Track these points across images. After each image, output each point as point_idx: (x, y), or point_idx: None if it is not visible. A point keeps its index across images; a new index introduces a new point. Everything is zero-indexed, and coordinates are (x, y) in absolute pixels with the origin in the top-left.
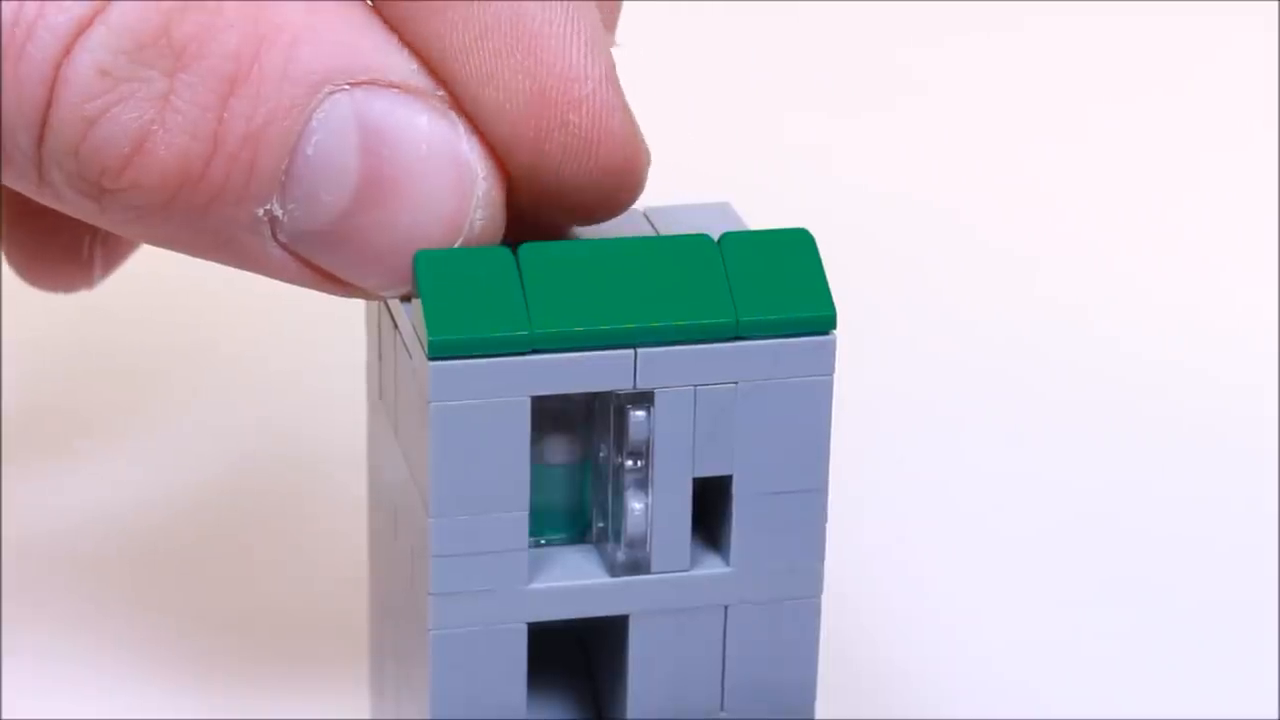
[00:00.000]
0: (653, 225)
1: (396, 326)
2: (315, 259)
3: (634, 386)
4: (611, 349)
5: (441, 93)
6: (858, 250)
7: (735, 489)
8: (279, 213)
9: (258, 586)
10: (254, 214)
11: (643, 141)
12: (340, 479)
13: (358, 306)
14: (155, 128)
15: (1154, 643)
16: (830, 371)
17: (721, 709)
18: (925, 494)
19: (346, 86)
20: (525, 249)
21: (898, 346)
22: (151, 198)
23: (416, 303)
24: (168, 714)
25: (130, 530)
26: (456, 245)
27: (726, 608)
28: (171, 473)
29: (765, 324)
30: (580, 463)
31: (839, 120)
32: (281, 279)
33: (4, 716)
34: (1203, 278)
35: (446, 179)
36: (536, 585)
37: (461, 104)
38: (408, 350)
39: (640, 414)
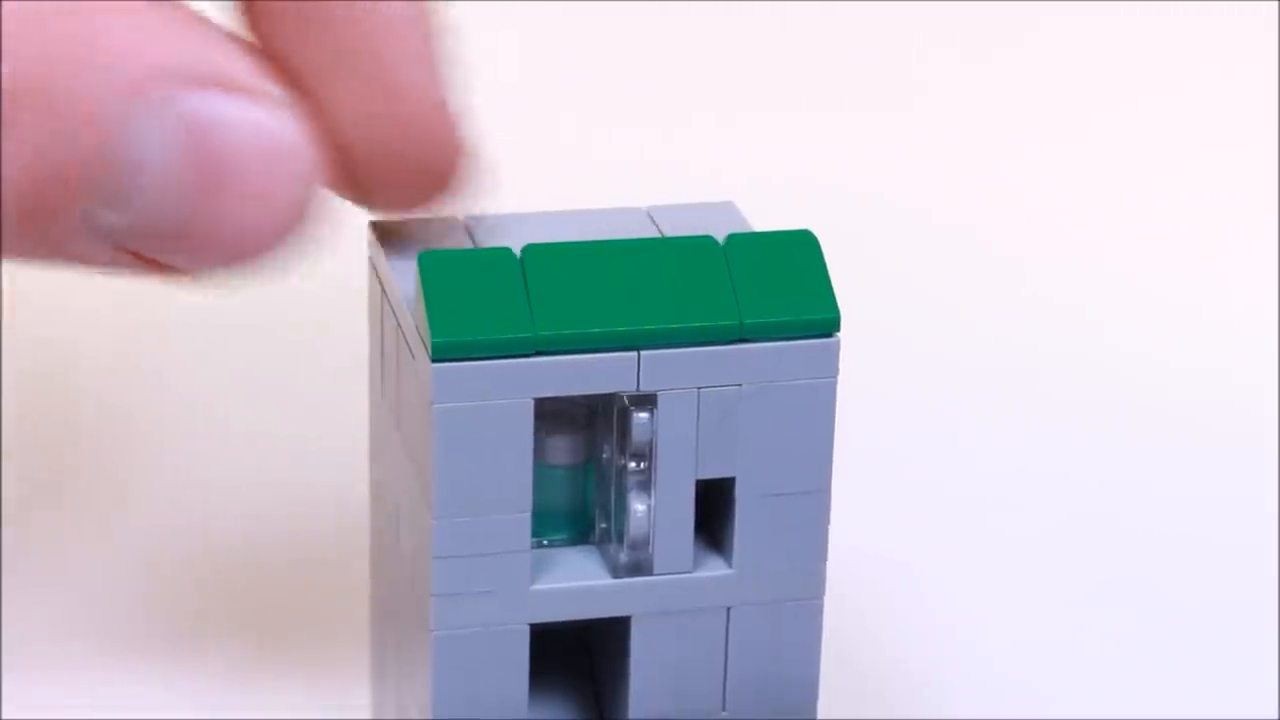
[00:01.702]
0: (657, 225)
1: (399, 326)
2: (148, 253)
3: (637, 388)
4: (615, 351)
5: (269, 85)
6: (861, 252)
7: (738, 491)
8: (110, 217)
9: (258, 586)
10: (84, 219)
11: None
12: (341, 478)
13: (358, 306)
14: None
15: (1154, 643)
16: (834, 374)
17: (723, 709)
18: (927, 495)
19: (169, 86)
20: (529, 250)
21: (900, 348)
22: None
23: (419, 304)
24: (168, 714)
25: (130, 530)
26: (296, 227)
27: (729, 609)
28: (171, 471)
29: (769, 326)
30: (583, 464)
31: (842, 121)
32: (111, 273)
33: (4, 717)
34: (1203, 277)
35: (272, 170)
36: (538, 586)
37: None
38: (410, 351)
39: (643, 416)
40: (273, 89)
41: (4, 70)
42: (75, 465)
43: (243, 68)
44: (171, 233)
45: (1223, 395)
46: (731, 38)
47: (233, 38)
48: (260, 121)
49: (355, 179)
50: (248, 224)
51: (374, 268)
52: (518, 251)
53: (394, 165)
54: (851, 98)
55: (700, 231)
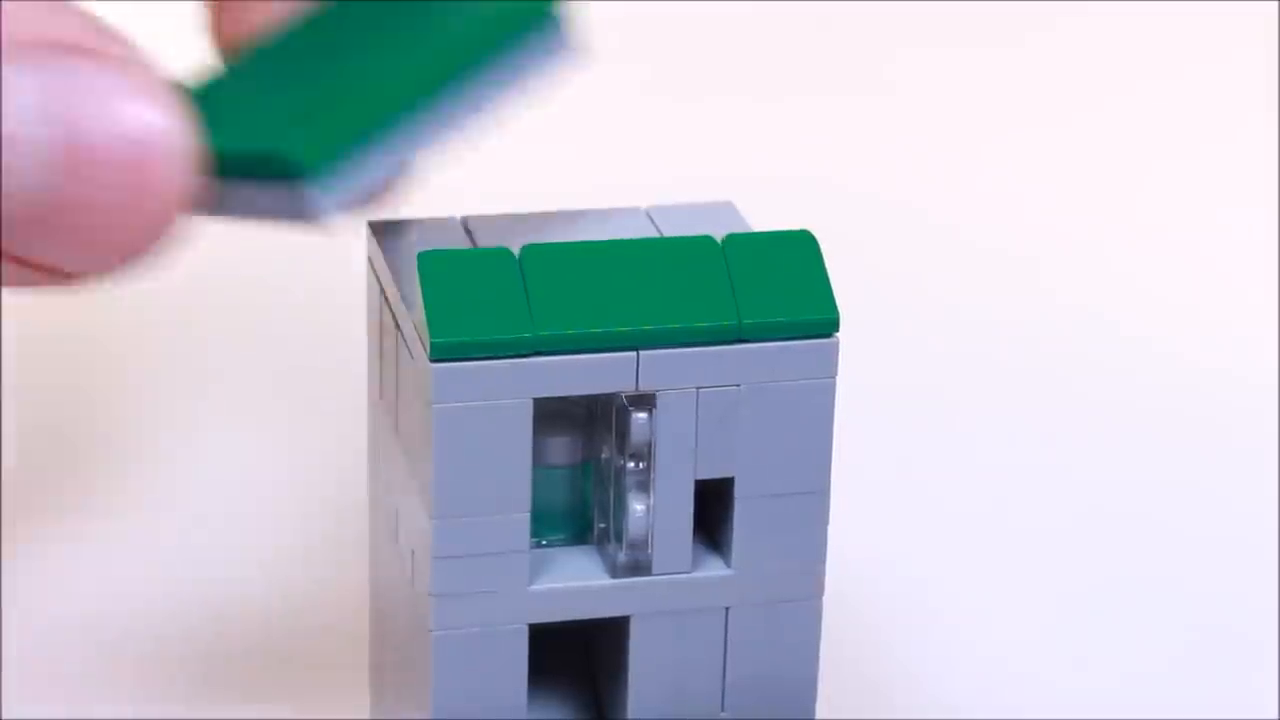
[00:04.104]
0: (656, 226)
1: (398, 327)
2: (18, 249)
3: (636, 388)
4: (614, 351)
5: (120, 48)
6: (860, 252)
7: (737, 491)
8: None
9: (257, 586)
10: None
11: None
12: (340, 478)
13: (358, 305)
14: None
15: (1154, 643)
16: (833, 374)
17: (722, 710)
18: (926, 495)
19: (19, 58)
20: (528, 250)
21: (899, 348)
22: None
23: (418, 304)
24: (168, 714)
25: (129, 532)
26: (157, 203)
27: (727, 609)
28: (170, 470)
29: (768, 326)
30: (581, 464)
31: (842, 121)
32: (3, 284)
33: (4, 716)
34: (1204, 277)
35: (137, 137)
36: (537, 586)
37: None
38: (409, 351)
39: (642, 416)
40: (126, 51)
41: None
42: (74, 458)
43: (96, 30)
44: (35, 215)
45: (1224, 394)
46: (731, 37)
47: (99, 19)
48: (115, 88)
49: None
50: (110, 198)
51: (373, 268)
52: (516, 252)
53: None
54: (852, 97)
55: (700, 232)
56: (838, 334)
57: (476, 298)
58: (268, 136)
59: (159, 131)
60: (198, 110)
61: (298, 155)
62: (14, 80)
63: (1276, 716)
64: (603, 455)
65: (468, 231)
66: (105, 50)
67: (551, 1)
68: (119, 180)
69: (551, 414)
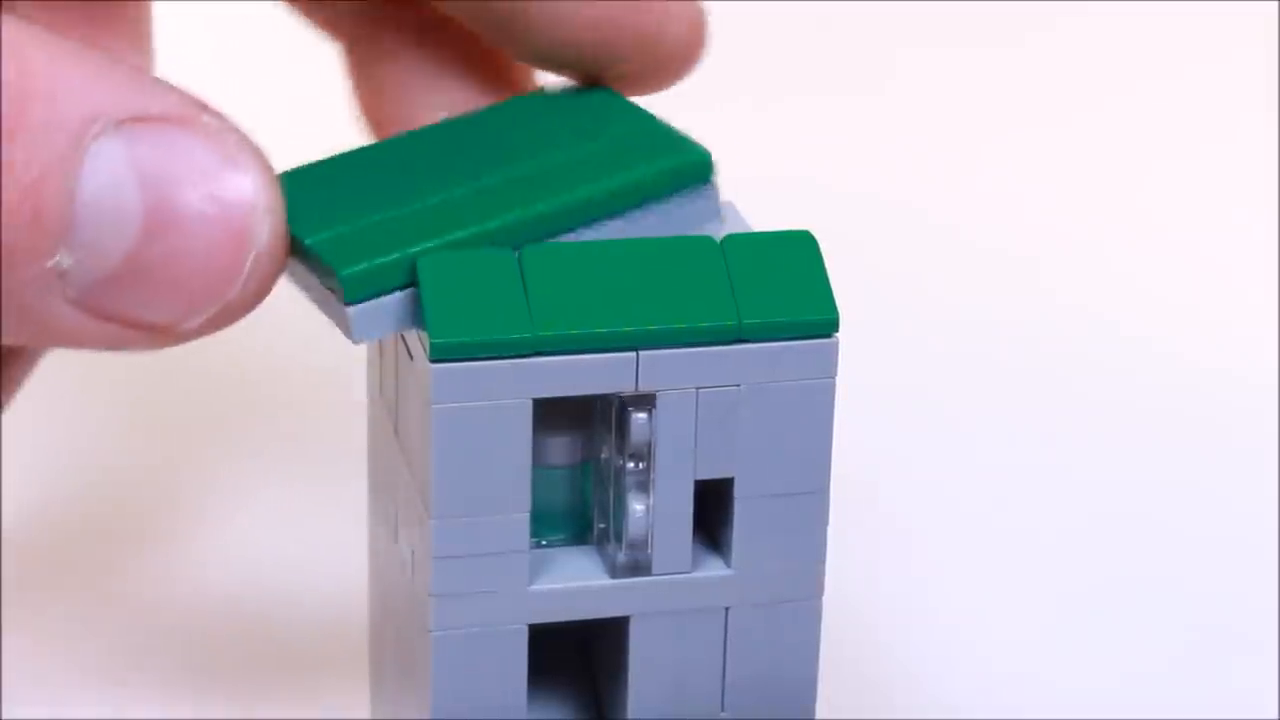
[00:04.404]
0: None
1: None
2: (110, 308)
3: (636, 389)
4: (613, 351)
5: (208, 118)
6: (860, 252)
7: (737, 491)
8: (67, 263)
9: (257, 586)
10: (43, 269)
11: (697, 10)
12: (339, 478)
13: None
14: None
15: (1154, 643)
16: (832, 374)
17: (722, 710)
18: (926, 496)
19: (111, 127)
20: (528, 251)
21: (899, 348)
22: None
23: (419, 304)
24: (167, 714)
25: (129, 530)
26: (246, 262)
27: (727, 609)
28: (170, 470)
29: (767, 326)
30: (581, 464)
31: (842, 121)
32: (78, 344)
33: (4, 717)
34: (1204, 277)
35: (225, 199)
36: (537, 587)
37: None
38: (409, 351)
39: (642, 416)
40: (214, 120)
41: None
42: (71, 455)
43: (176, 99)
44: (125, 275)
45: (1224, 394)
46: (731, 37)
47: (162, 79)
48: (202, 153)
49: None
50: (200, 254)
51: None
52: (517, 252)
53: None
54: (851, 97)
55: (698, 231)
56: (837, 334)
57: (476, 298)
58: (334, 246)
59: (249, 197)
60: (293, 187)
61: (345, 283)
62: (110, 151)
63: (1276, 717)
64: (602, 455)
65: None
66: (196, 119)
67: (706, 155)
68: (210, 245)
69: (551, 414)
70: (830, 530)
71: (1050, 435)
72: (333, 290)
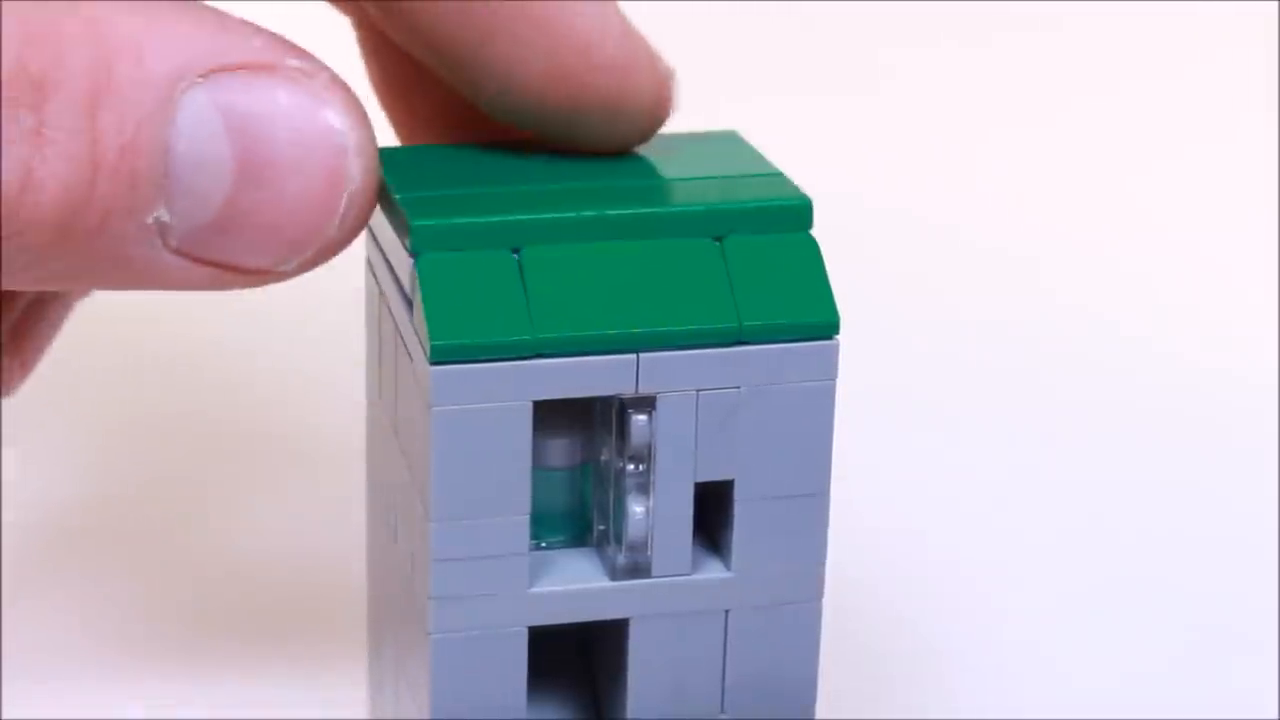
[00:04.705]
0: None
1: (397, 328)
2: (211, 254)
3: (636, 391)
4: (614, 354)
5: (294, 60)
6: (860, 252)
7: (737, 493)
8: (166, 217)
9: (254, 587)
10: (144, 224)
11: (663, 71)
12: (338, 480)
13: (357, 305)
14: (35, 163)
15: (1154, 643)
16: (833, 376)
17: (722, 712)
18: (926, 496)
19: (198, 79)
20: (528, 253)
21: (899, 349)
22: (46, 233)
23: (418, 306)
24: (167, 714)
25: (128, 530)
26: (341, 202)
27: (727, 611)
28: (170, 470)
29: (768, 329)
30: (581, 465)
31: (841, 121)
32: (182, 287)
33: (4, 716)
34: (1204, 277)
35: (316, 142)
36: (537, 589)
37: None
38: (409, 353)
39: (642, 418)
40: (298, 62)
41: (83, 62)
42: (71, 458)
43: (262, 44)
44: (223, 223)
45: (1224, 394)
46: (730, 37)
47: (243, 19)
48: (290, 98)
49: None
50: (293, 197)
51: (371, 269)
52: (517, 254)
53: (594, 129)
54: (851, 97)
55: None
56: (838, 336)
57: (476, 300)
58: (415, 202)
59: (339, 138)
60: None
61: (414, 233)
62: (199, 102)
63: (1276, 717)
64: (602, 457)
65: None
66: (281, 63)
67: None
68: (304, 188)
69: (551, 416)
70: (830, 532)
71: (1050, 435)
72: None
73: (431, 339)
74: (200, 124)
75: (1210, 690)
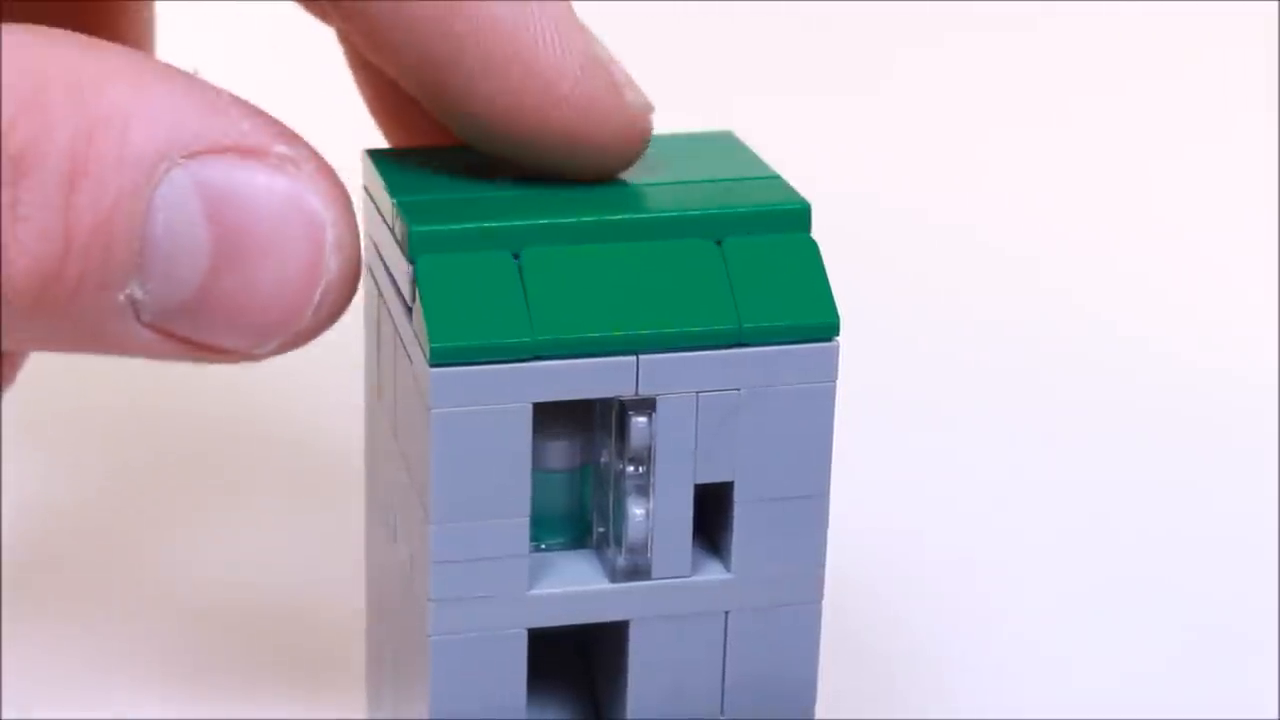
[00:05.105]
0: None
1: (396, 330)
2: (184, 332)
3: (636, 393)
4: (614, 355)
5: (282, 146)
6: (860, 252)
7: (737, 495)
8: (140, 294)
9: (255, 587)
10: (116, 300)
11: (636, 102)
12: (337, 481)
13: (357, 306)
14: (7, 237)
15: (1154, 643)
16: (833, 378)
17: (721, 713)
18: (926, 498)
19: (181, 160)
20: (528, 255)
21: (898, 350)
22: (16, 303)
23: (417, 308)
24: (167, 714)
25: (127, 531)
26: (316, 293)
27: (727, 613)
28: (169, 472)
29: (768, 330)
30: (580, 467)
31: (841, 121)
32: (154, 357)
33: (4, 717)
34: (1204, 277)
35: (295, 231)
36: (537, 591)
37: (453, 114)
38: (408, 355)
39: (642, 420)
40: (286, 149)
41: (64, 141)
42: (72, 460)
43: (249, 128)
44: (196, 305)
45: (1224, 394)
46: (730, 37)
47: (237, 98)
48: (272, 186)
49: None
50: (268, 286)
51: (370, 271)
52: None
53: (560, 160)
54: (851, 97)
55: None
56: (838, 338)
57: (476, 302)
58: (413, 206)
59: (319, 231)
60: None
61: (412, 238)
62: (180, 183)
63: (1276, 717)
64: (602, 459)
65: None
66: (268, 150)
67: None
68: (278, 278)
69: (551, 417)
70: (830, 534)
71: (1049, 436)
72: (404, 257)
73: (431, 341)
74: (179, 206)
75: (1210, 690)
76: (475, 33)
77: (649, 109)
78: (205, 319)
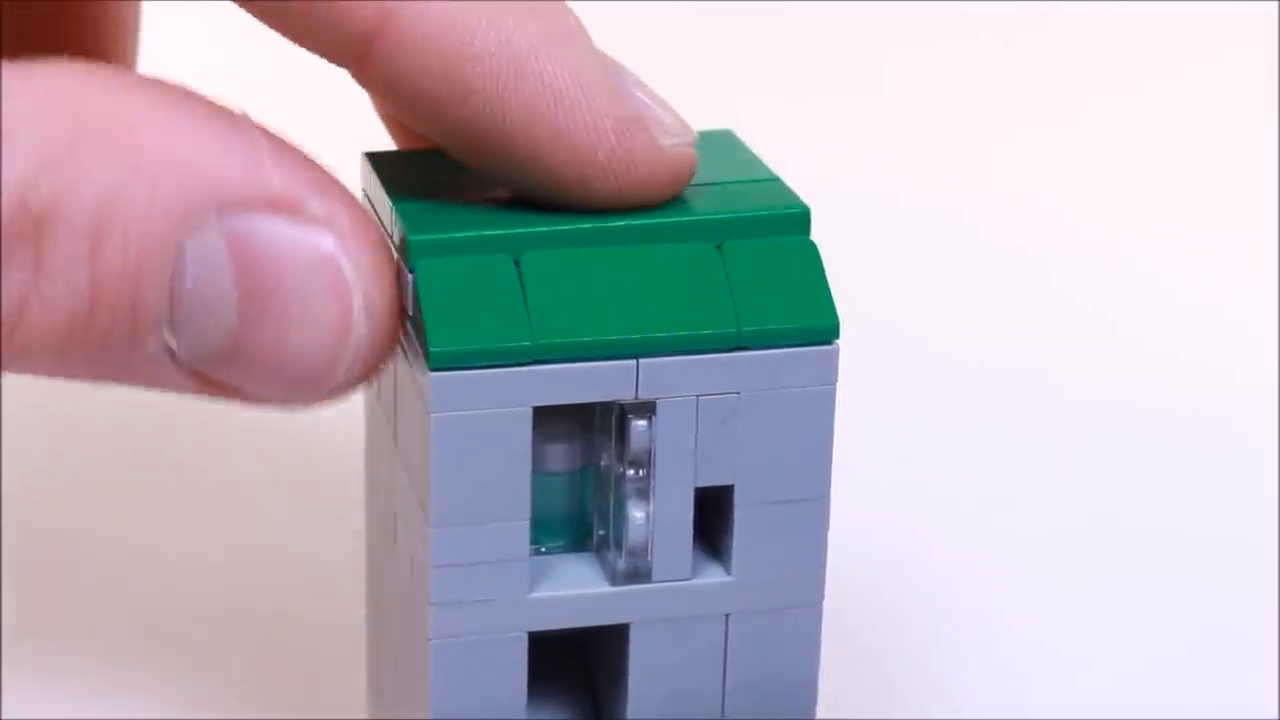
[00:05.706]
0: None
1: None
2: (220, 376)
3: (636, 396)
4: (613, 359)
5: (317, 202)
6: (860, 253)
7: (737, 498)
8: (172, 343)
9: (255, 588)
10: (148, 348)
11: (675, 145)
12: (337, 483)
13: None
14: (32, 294)
15: (1154, 642)
16: (833, 381)
17: (722, 714)
18: (926, 499)
19: (213, 214)
20: (527, 258)
21: (898, 351)
22: (45, 352)
23: (417, 312)
24: (167, 715)
25: (127, 531)
26: (347, 350)
27: (727, 616)
28: (169, 471)
29: (767, 334)
30: (580, 470)
31: (841, 121)
32: (193, 393)
33: (4, 717)
34: (1204, 277)
35: (323, 294)
36: (537, 594)
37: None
38: (408, 358)
39: (642, 424)
40: (319, 203)
41: (90, 197)
42: (72, 462)
43: (282, 181)
44: (226, 356)
45: (1224, 394)
46: (730, 37)
47: (272, 135)
48: (300, 244)
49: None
50: (296, 345)
51: None
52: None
53: (606, 198)
54: (851, 97)
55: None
56: (838, 341)
57: (475, 306)
58: (413, 212)
59: (346, 291)
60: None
61: (410, 247)
62: (210, 238)
63: (1276, 717)
64: (602, 462)
65: None
66: (300, 206)
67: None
68: (308, 337)
69: (551, 420)
70: (830, 536)
71: (1050, 436)
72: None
73: (431, 345)
74: (209, 261)
75: (1210, 690)
76: (523, 123)
77: (689, 145)
78: (240, 368)
